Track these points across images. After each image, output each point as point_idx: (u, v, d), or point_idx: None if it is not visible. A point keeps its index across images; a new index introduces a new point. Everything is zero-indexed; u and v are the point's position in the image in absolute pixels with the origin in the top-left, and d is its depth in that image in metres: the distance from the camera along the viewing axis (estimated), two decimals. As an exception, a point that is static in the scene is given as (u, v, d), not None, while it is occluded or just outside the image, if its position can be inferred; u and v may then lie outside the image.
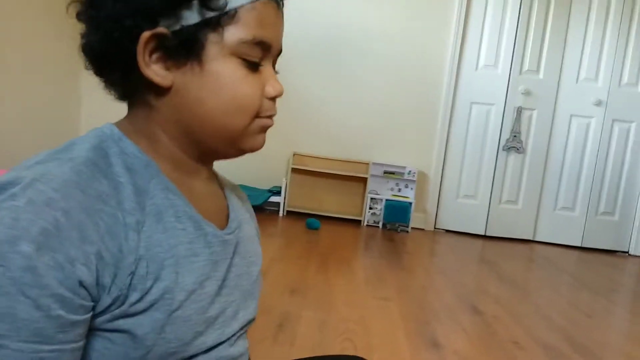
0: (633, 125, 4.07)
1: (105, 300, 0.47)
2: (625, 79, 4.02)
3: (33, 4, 3.39)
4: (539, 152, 4.10)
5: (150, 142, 0.57)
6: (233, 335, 0.61)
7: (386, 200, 3.98)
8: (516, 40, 3.97)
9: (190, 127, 0.56)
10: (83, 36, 0.55)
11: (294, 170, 4.04)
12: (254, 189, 3.98)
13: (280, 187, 3.96)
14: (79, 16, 0.55)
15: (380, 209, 4.00)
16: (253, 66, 0.56)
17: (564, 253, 3.93)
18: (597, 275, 3.36)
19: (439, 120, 4.10)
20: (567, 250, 4.04)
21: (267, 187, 4.07)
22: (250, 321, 0.67)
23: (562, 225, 4.15)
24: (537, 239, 4.18)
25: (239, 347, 0.64)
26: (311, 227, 3.64)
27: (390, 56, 4.03)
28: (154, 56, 0.53)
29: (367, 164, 4.04)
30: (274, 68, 0.60)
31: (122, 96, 0.59)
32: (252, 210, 0.75)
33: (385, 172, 4.04)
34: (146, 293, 0.49)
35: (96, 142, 0.53)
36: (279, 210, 3.96)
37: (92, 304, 0.47)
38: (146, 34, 0.52)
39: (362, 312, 2.09)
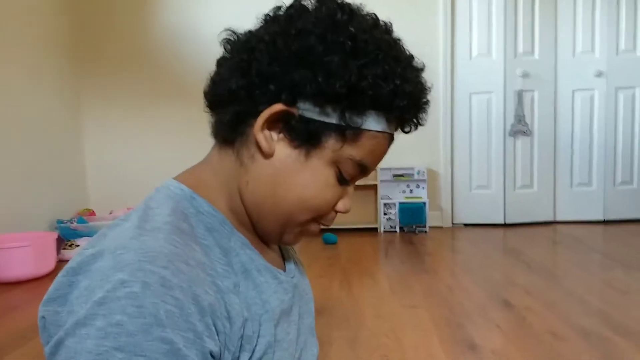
0: (637, 90, 4.00)
1: None
2: (622, 46, 3.96)
3: (35, 47, 3.42)
4: (547, 132, 4.04)
5: (228, 199, 0.57)
6: None
7: (400, 203, 3.94)
8: (506, 25, 3.94)
9: (263, 201, 0.56)
10: (220, 65, 0.56)
11: (304, 187, 4.01)
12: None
13: (292, 206, 3.93)
14: (226, 44, 0.56)
15: (395, 213, 3.95)
16: (343, 181, 0.57)
17: (588, 229, 3.84)
18: (626, 247, 3.28)
19: (440, 115, 4.06)
20: (590, 226, 3.95)
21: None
22: (316, 356, 0.69)
23: (582, 201, 4.07)
24: (558, 219, 4.10)
25: None
26: (328, 242, 3.60)
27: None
28: (273, 124, 0.54)
29: (375, 170, 4.00)
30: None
31: (219, 137, 0.58)
32: None
33: (394, 176, 4.00)
34: (253, 352, 0.51)
35: (172, 205, 0.53)
36: (294, 230, 3.94)
37: None
38: (280, 107, 0.52)
39: (392, 324, 2.05)
